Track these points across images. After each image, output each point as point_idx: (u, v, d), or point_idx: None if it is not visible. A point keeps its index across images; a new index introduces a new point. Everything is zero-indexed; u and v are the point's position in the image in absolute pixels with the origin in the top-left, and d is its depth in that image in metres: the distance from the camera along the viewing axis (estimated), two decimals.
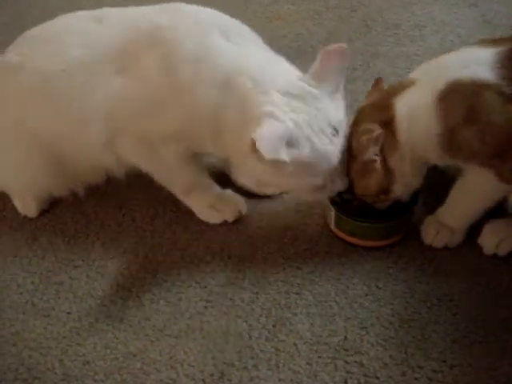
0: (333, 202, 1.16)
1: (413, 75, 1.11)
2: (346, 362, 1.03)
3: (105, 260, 1.20)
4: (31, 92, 1.17)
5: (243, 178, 1.13)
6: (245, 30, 1.15)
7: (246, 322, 1.09)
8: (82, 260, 1.20)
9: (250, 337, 1.07)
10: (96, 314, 1.12)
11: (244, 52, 1.09)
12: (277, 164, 0.98)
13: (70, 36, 1.17)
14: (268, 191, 1.21)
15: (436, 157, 1.08)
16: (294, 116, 1.01)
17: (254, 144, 0.95)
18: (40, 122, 1.18)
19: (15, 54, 1.21)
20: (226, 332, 1.08)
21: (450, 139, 1.03)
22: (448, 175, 1.19)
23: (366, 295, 1.11)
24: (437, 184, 1.19)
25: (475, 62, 1.03)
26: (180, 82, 1.07)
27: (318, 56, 1.05)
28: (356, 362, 1.03)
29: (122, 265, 1.19)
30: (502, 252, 1.14)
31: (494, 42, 1.09)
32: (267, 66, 1.08)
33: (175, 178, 1.22)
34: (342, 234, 1.18)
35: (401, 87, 1.09)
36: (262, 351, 1.05)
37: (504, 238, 1.13)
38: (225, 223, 1.24)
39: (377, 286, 1.12)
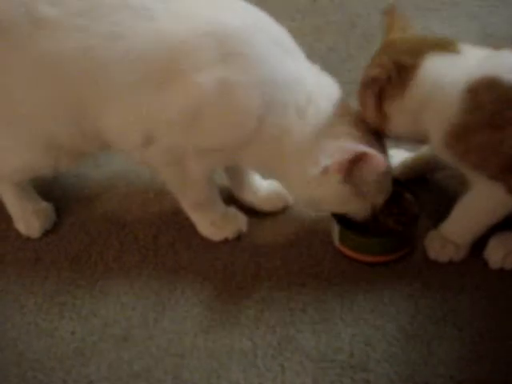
0: (336, 217, 1.16)
1: (462, 45, 1.01)
2: (352, 379, 1.02)
3: (108, 279, 1.20)
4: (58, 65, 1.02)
5: (302, 202, 1.16)
6: (292, 42, 1.11)
7: (251, 340, 1.08)
8: (86, 280, 1.20)
9: (255, 355, 1.06)
10: (99, 333, 1.11)
11: (303, 73, 1.08)
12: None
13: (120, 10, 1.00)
14: (323, 212, 1.19)
15: (435, 143, 1.02)
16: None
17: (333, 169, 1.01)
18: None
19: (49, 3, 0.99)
20: (230, 350, 1.07)
21: (462, 135, 0.96)
22: (452, 188, 1.18)
23: (372, 311, 1.11)
24: (441, 197, 1.18)
25: None
26: (234, 101, 1.01)
27: None
28: (362, 379, 1.02)
29: (125, 284, 1.18)
30: (508, 265, 1.13)
31: None
32: (322, 91, 1.08)
33: (192, 192, 1.18)
34: (346, 250, 1.18)
35: (441, 45, 1.00)
36: (267, 369, 1.04)
37: (511, 251, 1.12)
38: (228, 240, 1.23)
39: (382, 302, 1.12)
